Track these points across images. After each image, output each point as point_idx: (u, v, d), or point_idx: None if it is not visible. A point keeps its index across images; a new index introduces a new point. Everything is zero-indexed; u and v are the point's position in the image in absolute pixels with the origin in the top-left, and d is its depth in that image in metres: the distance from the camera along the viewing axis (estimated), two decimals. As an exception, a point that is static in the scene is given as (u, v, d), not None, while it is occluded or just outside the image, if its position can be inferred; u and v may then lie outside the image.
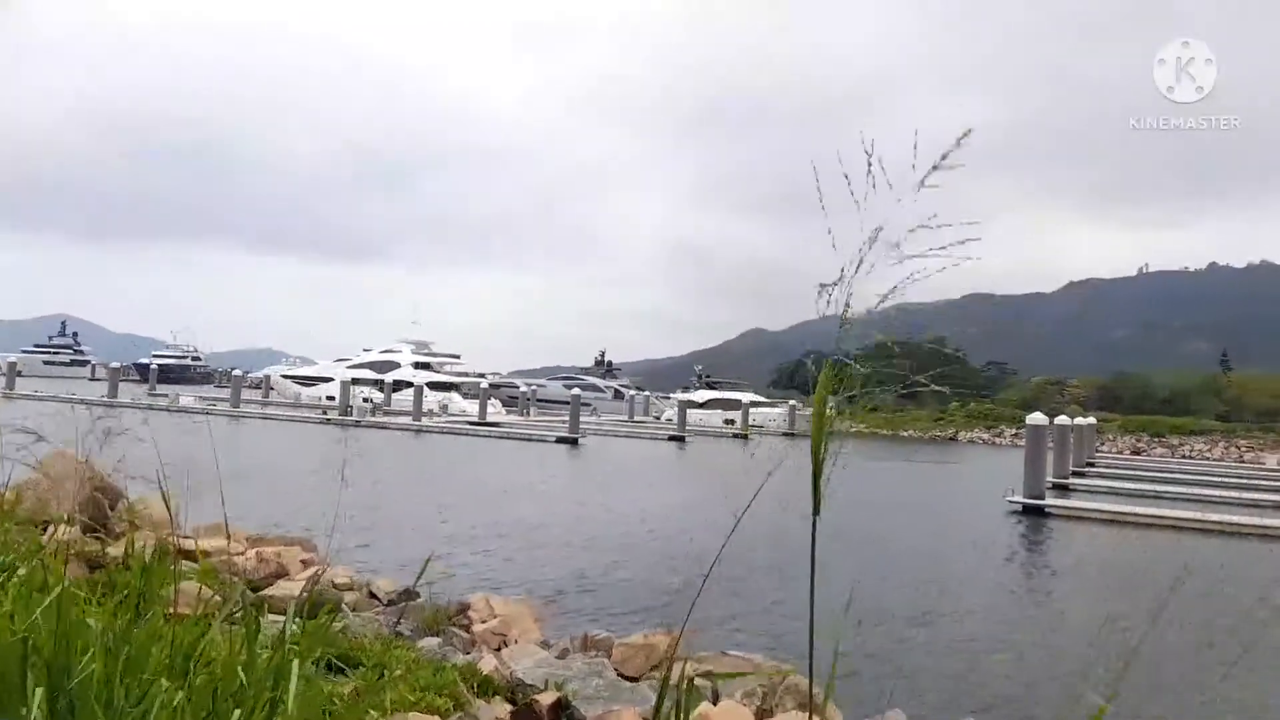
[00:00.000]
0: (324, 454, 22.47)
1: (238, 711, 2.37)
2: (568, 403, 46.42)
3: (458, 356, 76.68)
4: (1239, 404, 74.10)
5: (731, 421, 62.51)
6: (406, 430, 45.06)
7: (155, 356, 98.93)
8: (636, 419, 66.63)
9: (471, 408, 56.18)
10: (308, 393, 69.65)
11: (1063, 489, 27.51)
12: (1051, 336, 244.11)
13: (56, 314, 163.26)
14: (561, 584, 11.86)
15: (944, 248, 1.78)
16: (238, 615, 3.22)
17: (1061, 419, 30.25)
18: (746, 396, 68.92)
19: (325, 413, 52.64)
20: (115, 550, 5.64)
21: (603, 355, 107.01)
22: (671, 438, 49.79)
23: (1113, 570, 16.43)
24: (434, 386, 61.16)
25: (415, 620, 7.69)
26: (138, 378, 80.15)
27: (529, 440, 42.10)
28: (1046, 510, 22.33)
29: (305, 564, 9.07)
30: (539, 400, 74.88)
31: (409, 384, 57.52)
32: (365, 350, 73.91)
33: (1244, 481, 33.35)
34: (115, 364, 59.03)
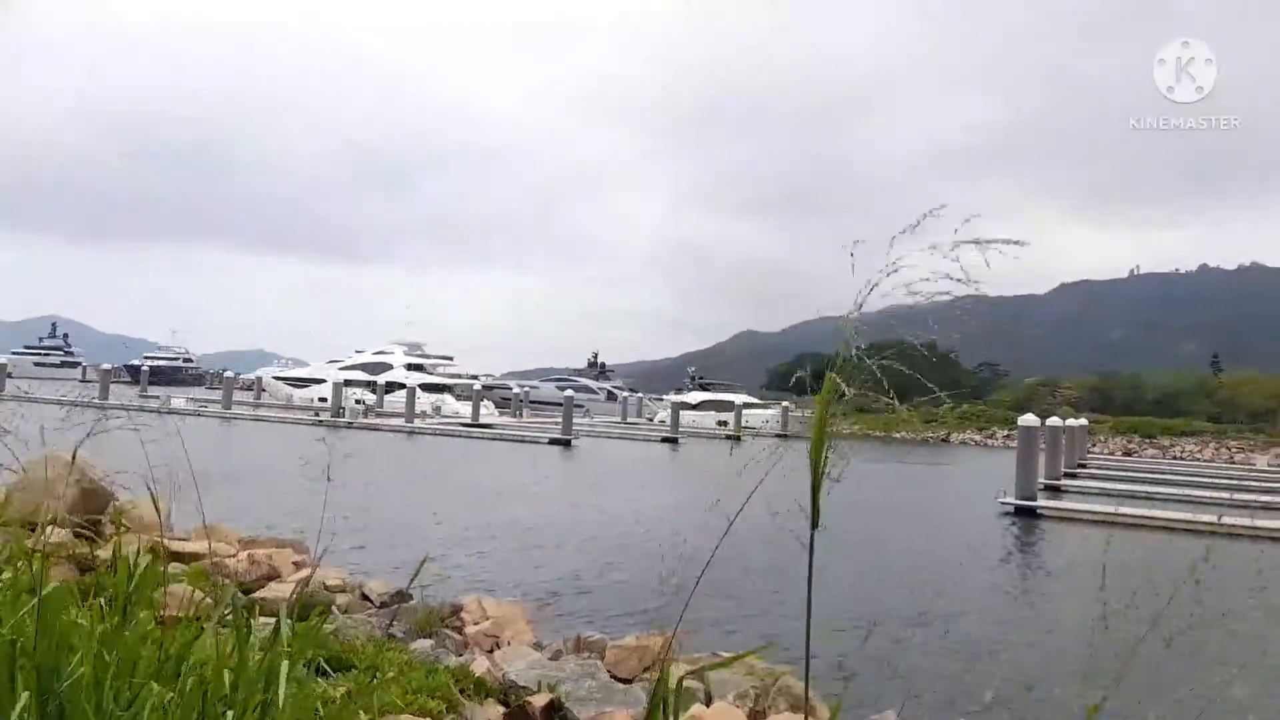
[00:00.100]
0: (315, 455, 22.37)
1: (229, 714, 2.36)
2: (561, 404, 46.45)
3: (450, 358, 76.81)
4: (1231, 405, 74.29)
5: (724, 423, 62.52)
6: (399, 432, 44.94)
7: (147, 358, 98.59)
8: (630, 420, 66.64)
9: (464, 409, 56.07)
10: (300, 394, 69.60)
11: (1055, 490, 27.54)
12: (1046, 338, 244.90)
13: (47, 315, 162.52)
14: (555, 586, 11.82)
15: (977, 241, 1.79)
16: (229, 617, 3.20)
17: (1053, 420, 30.31)
18: (739, 398, 69.00)
19: (317, 414, 52.53)
20: (105, 552, 5.60)
21: (595, 357, 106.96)
22: (664, 439, 49.75)
23: (1105, 571, 16.44)
24: (427, 388, 61.14)
25: (408, 622, 7.67)
26: (129, 379, 79.87)
27: (522, 442, 42.04)
28: (1038, 511, 22.36)
29: (297, 566, 9.02)
30: (532, 402, 74.81)
31: (401, 386, 57.48)
32: (358, 352, 73.96)
33: (1235, 482, 33.47)
34: (106, 365, 58.69)
